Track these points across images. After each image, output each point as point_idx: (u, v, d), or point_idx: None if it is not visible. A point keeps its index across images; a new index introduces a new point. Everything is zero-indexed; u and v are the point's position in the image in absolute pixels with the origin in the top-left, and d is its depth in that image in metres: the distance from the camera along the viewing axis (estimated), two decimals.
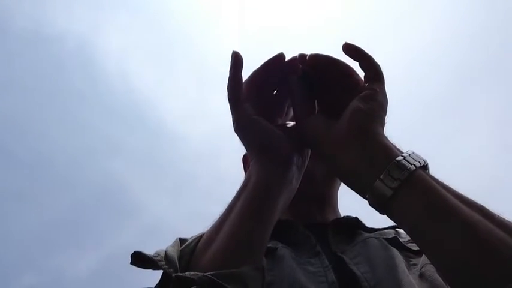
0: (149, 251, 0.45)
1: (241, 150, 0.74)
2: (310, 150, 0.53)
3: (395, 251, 0.54)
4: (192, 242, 0.47)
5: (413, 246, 0.56)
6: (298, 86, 0.52)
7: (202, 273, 0.38)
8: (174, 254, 0.44)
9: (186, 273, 0.39)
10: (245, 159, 0.76)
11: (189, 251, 0.45)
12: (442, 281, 0.47)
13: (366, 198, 0.41)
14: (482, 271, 0.32)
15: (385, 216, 0.42)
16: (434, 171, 0.42)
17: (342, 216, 0.69)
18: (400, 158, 0.39)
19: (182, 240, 0.49)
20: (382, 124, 0.46)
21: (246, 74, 0.51)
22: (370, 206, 0.41)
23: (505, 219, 0.36)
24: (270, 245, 0.54)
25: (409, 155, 0.40)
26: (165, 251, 0.45)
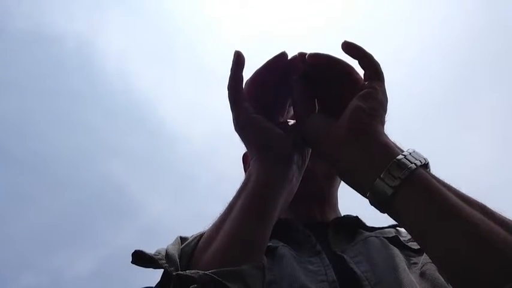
0: (149, 251, 0.45)
1: (241, 150, 0.74)
2: (310, 149, 0.53)
3: (396, 250, 0.54)
4: (192, 240, 0.47)
5: (414, 245, 0.56)
6: (299, 85, 0.52)
7: (202, 272, 0.38)
8: (175, 252, 0.44)
9: (187, 271, 0.39)
10: (245, 158, 0.76)
11: (190, 249, 0.45)
12: (443, 279, 0.47)
13: (366, 197, 0.41)
14: (484, 270, 0.32)
15: (385, 215, 0.42)
16: (435, 170, 0.42)
17: (342, 215, 0.69)
18: (400, 156, 0.39)
19: (183, 239, 0.49)
20: (383, 122, 0.46)
21: (245, 73, 0.51)
22: (371, 204, 0.41)
23: (506, 218, 0.36)
24: (270, 244, 0.54)
25: (410, 153, 0.40)
26: (166, 250, 0.45)
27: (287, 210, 0.55)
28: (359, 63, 0.49)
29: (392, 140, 0.43)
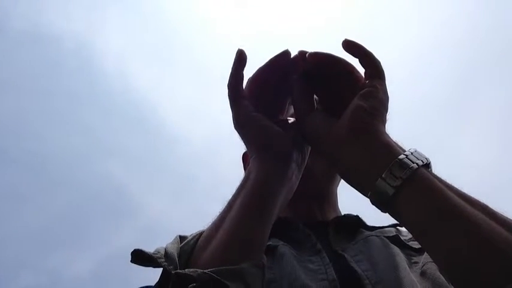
0: (150, 249, 0.45)
1: (241, 150, 0.74)
2: (310, 148, 0.53)
3: (397, 249, 0.54)
4: (191, 239, 0.47)
5: (415, 244, 0.56)
6: (299, 84, 0.52)
7: (201, 270, 0.38)
8: (174, 251, 0.44)
9: (186, 270, 0.39)
10: (245, 157, 0.76)
11: (189, 248, 0.45)
12: (443, 279, 0.47)
13: (368, 197, 0.41)
14: (485, 270, 0.32)
15: (384, 214, 0.41)
16: (437, 170, 0.41)
17: (342, 214, 0.69)
18: (402, 156, 0.39)
19: (182, 238, 0.49)
20: (384, 122, 0.46)
21: (245, 73, 0.51)
22: (373, 204, 0.41)
23: (507, 218, 0.35)
24: (270, 243, 0.54)
25: (412, 153, 0.40)
26: (165, 249, 0.45)
27: (287, 208, 0.54)
28: (360, 61, 0.49)
29: (393, 140, 0.43)
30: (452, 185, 0.39)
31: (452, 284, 0.38)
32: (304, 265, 0.51)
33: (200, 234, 0.47)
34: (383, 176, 0.39)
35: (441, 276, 0.48)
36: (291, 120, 0.54)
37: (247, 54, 0.49)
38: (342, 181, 0.66)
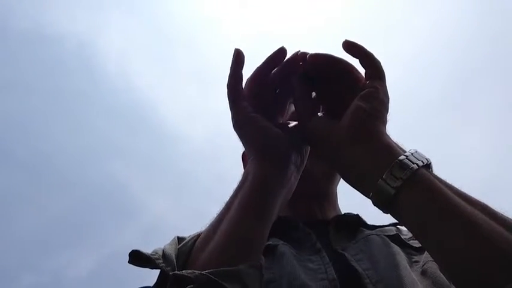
0: (149, 250, 0.45)
1: (241, 149, 0.74)
2: (309, 149, 0.53)
3: (397, 248, 0.54)
4: (189, 240, 0.47)
5: (415, 243, 0.56)
6: (300, 85, 0.52)
7: (199, 272, 0.38)
8: (172, 252, 0.44)
9: (183, 271, 0.38)
10: (244, 157, 0.76)
11: (187, 249, 0.45)
12: (444, 278, 0.47)
13: (369, 198, 0.41)
14: (485, 270, 0.32)
15: (384, 214, 0.41)
16: (437, 170, 0.41)
17: (342, 213, 0.69)
18: (402, 157, 0.39)
19: (180, 239, 0.49)
20: (384, 122, 0.46)
21: (245, 73, 0.51)
22: (374, 205, 0.41)
23: (508, 218, 0.35)
24: (270, 243, 0.54)
25: (412, 154, 0.40)
26: (163, 250, 0.45)
27: (286, 207, 0.54)
28: (360, 62, 0.49)
29: (394, 141, 0.43)
30: (452, 185, 0.39)
31: (452, 283, 0.38)
32: (304, 264, 0.51)
33: (198, 235, 0.47)
34: (383, 176, 0.39)
35: (442, 275, 0.48)
36: (292, 124, 0.53)
37: (244, 54, 0.49)
38: (342, 181, 0.66)
